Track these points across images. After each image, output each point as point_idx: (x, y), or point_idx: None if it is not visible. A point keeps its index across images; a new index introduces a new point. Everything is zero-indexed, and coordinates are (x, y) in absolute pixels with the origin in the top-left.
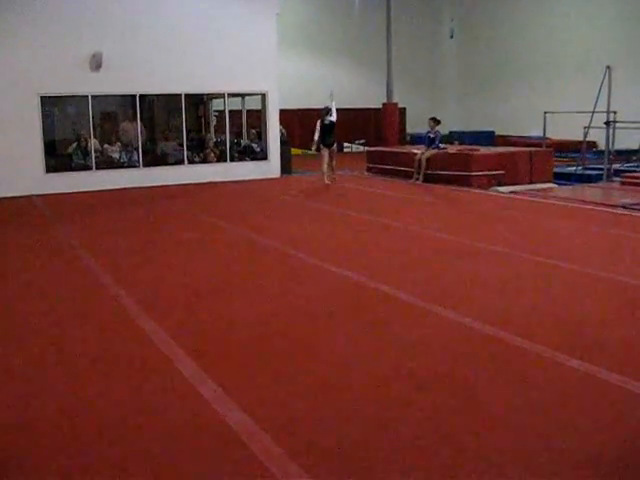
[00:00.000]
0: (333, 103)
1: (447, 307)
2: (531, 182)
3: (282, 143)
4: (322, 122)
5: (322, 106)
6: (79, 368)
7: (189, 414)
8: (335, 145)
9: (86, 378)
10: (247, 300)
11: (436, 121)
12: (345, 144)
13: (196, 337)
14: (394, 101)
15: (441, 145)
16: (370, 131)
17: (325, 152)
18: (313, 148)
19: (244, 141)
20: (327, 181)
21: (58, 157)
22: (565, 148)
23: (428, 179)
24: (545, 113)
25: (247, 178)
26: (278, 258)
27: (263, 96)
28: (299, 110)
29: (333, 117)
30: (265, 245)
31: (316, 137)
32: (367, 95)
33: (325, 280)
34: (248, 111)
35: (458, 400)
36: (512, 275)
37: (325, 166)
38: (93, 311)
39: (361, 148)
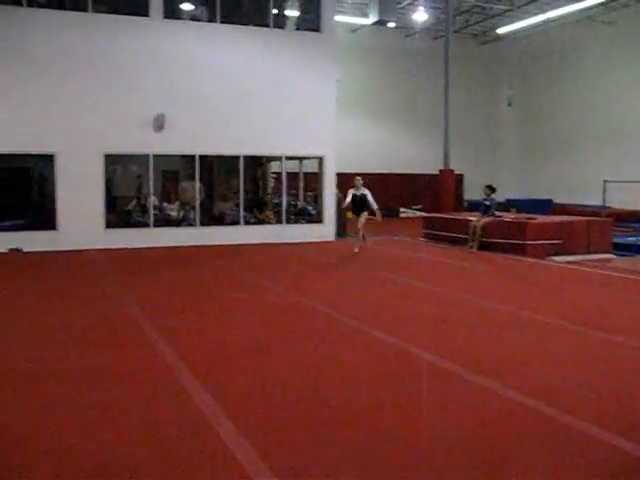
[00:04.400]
0: (368, 191)
1: (501, 382)
2: (589, 252)
3: (338, 207)
4: (354, 194)
5: (379, 171)
6: (125, 425)
7: None
8: (364, 214)
9: (129, 435)
10: (291, 362)
11: (491, 188)
12: (401, 209)
13: (236, 397)
14: (451, 167)
15: (497, 213)
16: (427, 197)
17: (356, 219)
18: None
19: (300, 203)
20: (356, 249)
21: (118, 213)
22: (627, 217)
23: (483, 247)
24: (605, 182)
25: (302, 240)
26: (324, 321)
27: (320, 160)
28: (356, 174)
29: (367, 192)
30: (312, 308)
31: (346, 202)
32: (424, 161)
33: (369, 346)
34: (305, 174)
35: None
36: (570, 349)
37: (359, 231)
38: (138, 366)
39: (418, 214)
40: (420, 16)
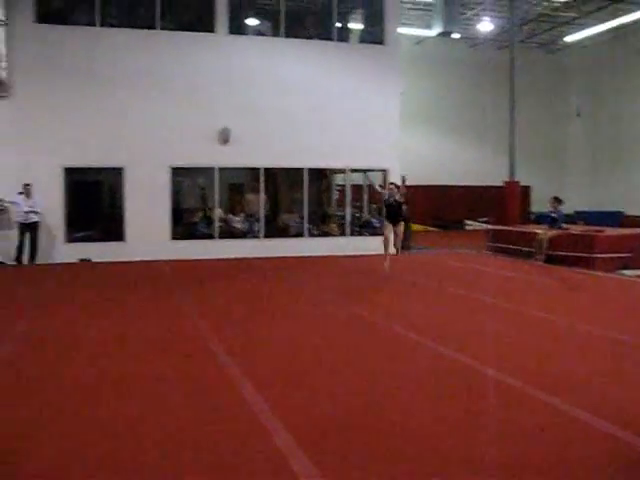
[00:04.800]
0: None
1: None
2: None
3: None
4: (387, 201)
5: (443, 183)
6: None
7: None
8: (402, 224)
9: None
10: (352, 375)
11: (558, 200)
12: (467, 222)
13: (295, 409)
14: (516, 179)
15: (564, 225)
16: (492, 209)
17: (388, 228)
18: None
19: (364, 215)
20: (386, 267)
21: (184, 225)
22: None
23: (550, 260)
24: None
25: (365, 253)
26: (386, 335)
27: (384, 172)
28: (421, 186)
29: (398, 197)
30: (374, 321)
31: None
32: (490, 172)
33: (432, 361)
34: (369, 186)
35: None
36: None
37: (387, 245)
38: (199, 376)
39: (483, 226)
40: (485, 26)
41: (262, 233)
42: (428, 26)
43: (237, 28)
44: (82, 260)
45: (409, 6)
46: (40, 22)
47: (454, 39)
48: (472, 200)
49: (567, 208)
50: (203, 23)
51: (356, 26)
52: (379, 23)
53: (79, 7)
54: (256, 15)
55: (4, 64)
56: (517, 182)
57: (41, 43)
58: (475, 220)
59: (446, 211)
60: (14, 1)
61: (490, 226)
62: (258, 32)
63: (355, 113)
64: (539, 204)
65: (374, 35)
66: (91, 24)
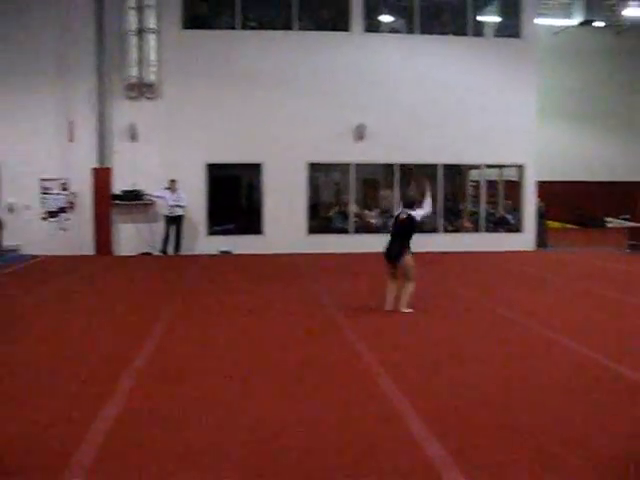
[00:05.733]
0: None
1: None
2: None
3: (539, 216)
4: (397, 216)
5: (582, 179)
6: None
7: None
8: (401, 258)
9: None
10: (486, 369)
11: None
12: (608, 219)
13: (430, 400)
14: None
15: None
16: (635, 206)
17: (388, 266)
18: None
19: (499, 212)
20: (387, 306)
21: (320, 219)
22: None
23: None
24: None
25: (500, 249)
26: (521, 331)
27: (520, 168)
28: (559, 182)
29: (419, 212)
30: (510, 318)
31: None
32: (633, 168)
33: (569, 359)
34: (504, 182)
35: None
36: None
37: (389, 284)
38: (340, 363)
39: (625, 224)
40: (631, 12)
41: None
42: (567, 15)
43: (372, 26)
44: (222, 252)
45: None
46: (186, 28)
47: (596, 27)
48: (614, 196)
49: None
50: (338, 22)
51: (491, 19)
52: (516, 15)
53: (221, 12)
54: (390, 12)
55: (154, 68)
56: None
57: (187, 48)
58: (616, 217)
59: (586, 208)
60: (164, 10)
61: (632, 224)
62: (392, 29)
63: (491, 108)
64: None
65: (510, 28)
66: (232, 27)
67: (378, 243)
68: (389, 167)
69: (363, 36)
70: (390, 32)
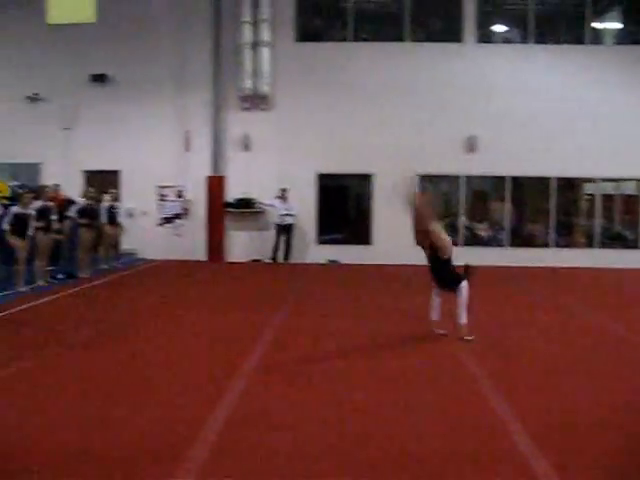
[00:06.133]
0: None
1: None
2: None
3: None
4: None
5: None
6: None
7: None
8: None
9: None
10: (588, 381)
11: None
12: None
13: (533, 411)
14: None
15: None
16: None
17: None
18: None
19: (616, 227)
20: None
21: None
22: None
23: None
24: None
25: (616, 266)
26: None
27: (639, 182)
28: None
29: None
30: (620, 334)
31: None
32: None
33: None
34: (623, 196)
35: None
36: None
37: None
38: (443, 372)
39: None
40: None
41: (507, 242)
42: None
43: (484, 36)
44: (330, 261)
45: None
46: (299, 41)
47: None
48: None
49: None
50: (451, 33)
51: (612, 26)
52: (639, 22)
53: (333, 25)
54: (503, 22)
55: (267, 80)
56: None
57: (299, 60)
58: None
59: None
60: (278, 24)
61: None
62: (506, 39)
63: (608, 120)
64: None
65: (634, 34)
66: (344, 40)
67: (487, 256)
68: (500, 179)
69: (475, 47)
70: (503, 42)
